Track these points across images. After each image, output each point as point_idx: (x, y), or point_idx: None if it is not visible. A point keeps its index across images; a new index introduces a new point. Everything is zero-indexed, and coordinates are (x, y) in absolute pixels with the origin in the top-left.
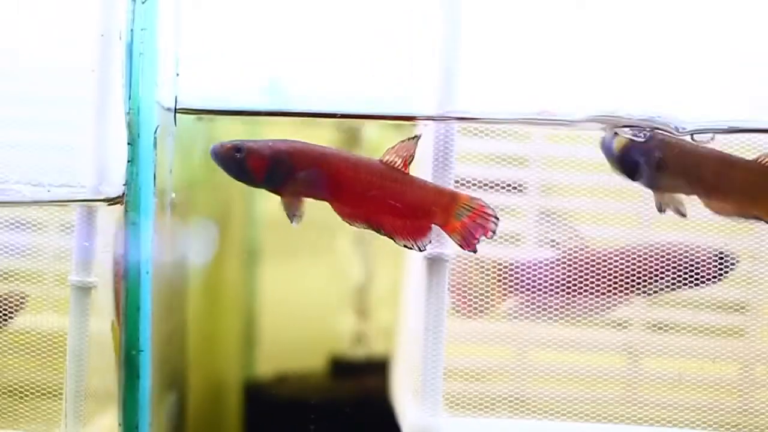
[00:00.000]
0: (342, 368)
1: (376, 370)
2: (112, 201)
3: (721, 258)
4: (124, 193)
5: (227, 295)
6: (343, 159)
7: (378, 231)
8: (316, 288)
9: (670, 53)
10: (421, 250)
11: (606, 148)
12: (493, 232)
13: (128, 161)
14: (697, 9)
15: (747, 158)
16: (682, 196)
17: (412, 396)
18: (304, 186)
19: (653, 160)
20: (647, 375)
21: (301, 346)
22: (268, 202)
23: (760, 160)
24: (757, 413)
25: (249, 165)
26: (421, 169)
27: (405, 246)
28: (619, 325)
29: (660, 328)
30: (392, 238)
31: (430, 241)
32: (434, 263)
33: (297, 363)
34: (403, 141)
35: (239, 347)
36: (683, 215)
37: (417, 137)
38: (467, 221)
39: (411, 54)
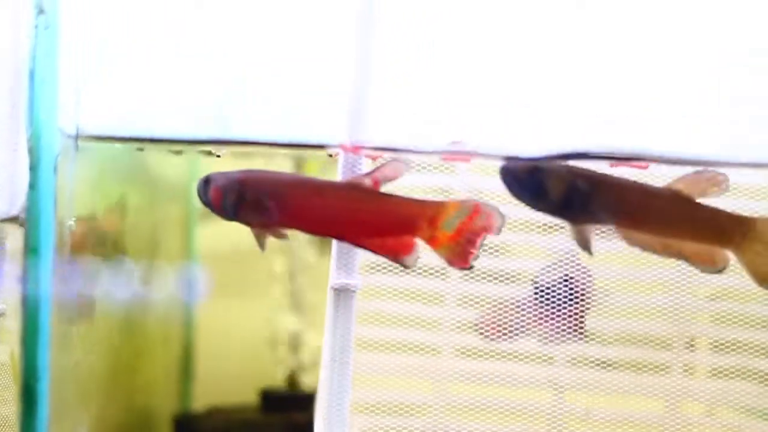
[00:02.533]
0: (273, 402)
1: (306, 404)
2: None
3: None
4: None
5: (156, 328)
6: (303, 184)
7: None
8: (251, 322)
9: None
10: (407, 267)
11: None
12: (499, 230)
13: (29, 187)
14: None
15: (661, 187)
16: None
17: (322, 428)
18: (257, 215)
19: (578, 192)
20: (572, 411)
21: (234, 380)
22: (206, 236)
23: (671, 187)
24: None
25: (210, 196)
26: None
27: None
28: (543, 358)
29: (584, 363)
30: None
31: (419, 257)
32: (341, 294)
33: (230, 397)
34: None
35: (172, 380)
36: (591, 253)
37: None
38: (459, 229)
39: (327, 79)
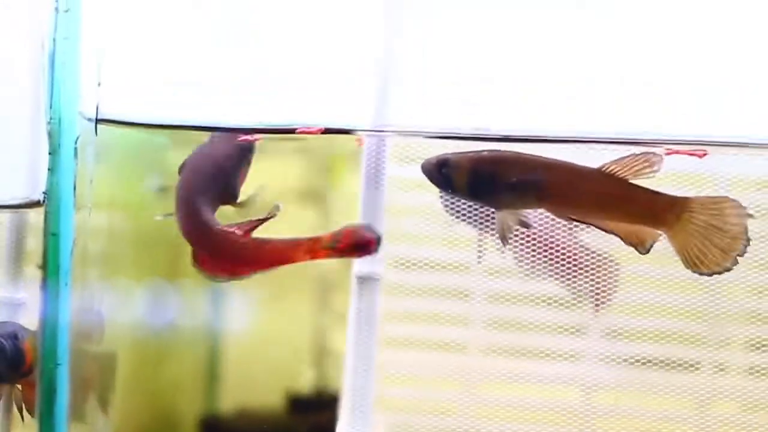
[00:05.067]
0: (301, 405)
1: (334, 406)
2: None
3: None
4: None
5: (182, 324)
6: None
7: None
8: (280, 323)
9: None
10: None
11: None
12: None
13: (49, 170)
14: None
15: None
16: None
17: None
18: None
19: (501, 177)
20: (601, 410)
21: (263, 381)
22: None
23: (605, 168)
24: None
25: None
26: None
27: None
28: (572, 357)
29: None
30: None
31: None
32: (365, 283)
33: (259, 399)
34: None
35: (198, 380)
36: (529, 226)
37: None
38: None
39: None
